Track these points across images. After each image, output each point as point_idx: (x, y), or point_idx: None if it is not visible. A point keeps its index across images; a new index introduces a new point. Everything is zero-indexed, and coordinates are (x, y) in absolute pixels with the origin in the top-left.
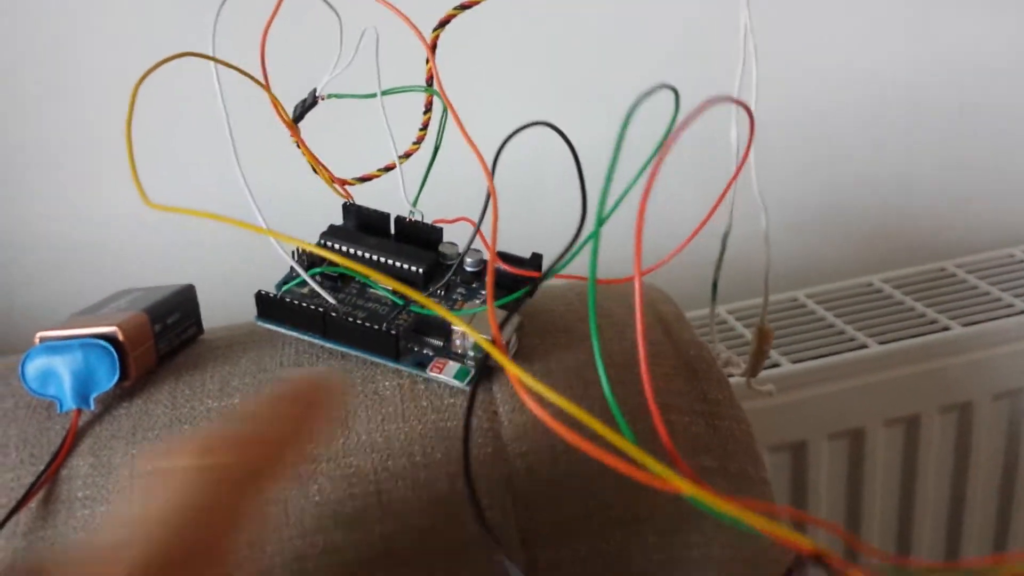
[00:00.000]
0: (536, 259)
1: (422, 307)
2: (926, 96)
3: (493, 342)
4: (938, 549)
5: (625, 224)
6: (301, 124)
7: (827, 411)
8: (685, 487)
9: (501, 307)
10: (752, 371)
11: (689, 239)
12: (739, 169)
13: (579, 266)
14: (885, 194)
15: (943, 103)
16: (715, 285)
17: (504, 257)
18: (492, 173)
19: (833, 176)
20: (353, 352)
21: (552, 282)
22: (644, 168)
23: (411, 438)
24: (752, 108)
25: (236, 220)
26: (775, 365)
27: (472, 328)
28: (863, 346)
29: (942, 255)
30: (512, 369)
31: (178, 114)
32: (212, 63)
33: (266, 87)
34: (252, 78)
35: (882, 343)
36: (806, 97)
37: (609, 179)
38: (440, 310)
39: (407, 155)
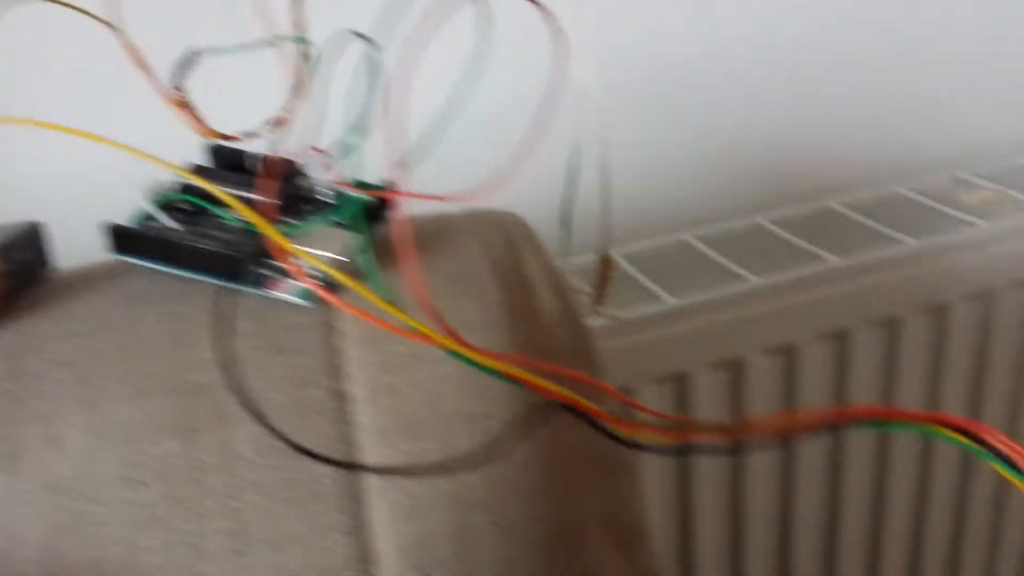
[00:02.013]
0: (389, 185)
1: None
2: (809, 42)
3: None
4: (821, 473)
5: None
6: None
7: (707, 343)
8: (440, 339)
9: (346, 228)
10: (598, 297)
11: (527, 155)
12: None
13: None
14: (771, 136)
15: (826, 49)
16: (564, 219)
17: (358, 184)
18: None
19: (720, 120)
20: (200, 278)
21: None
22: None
23: (252, 353)
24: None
25: (102, 137)
26: (658, 300)
27: (310, 245)
28: (744, 280)
29: (827, 194)
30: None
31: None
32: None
33: (117, 29)
34: (104, 21)
35: (761, 276)
36: (691, 40)
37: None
38: (274, 233)
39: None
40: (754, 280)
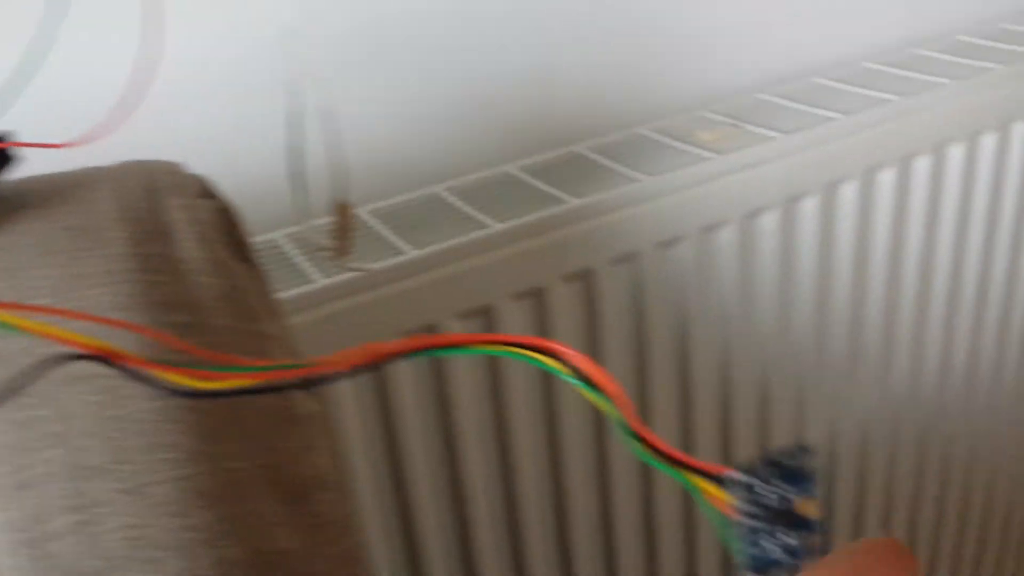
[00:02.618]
0: (3, 135)
1: None
2: None
3: None
4: (583, 412)
5: None
6: None
7: (455, 292)
8: None
9: None
10: (342, 249)
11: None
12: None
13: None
14: (520, 87)
15: None
16: (296, 173)
17: None
18: None
19: (467, 72)
20: None
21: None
22: None
23: None
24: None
25: None
26: (401, 253)
27: None
28: (487, 227)
29: (577, 140)
30: None
31: None
32: None
33: None
34: None
35: (505, 222)
36: None
37: None
38: None
39: None
40: (496, 226)
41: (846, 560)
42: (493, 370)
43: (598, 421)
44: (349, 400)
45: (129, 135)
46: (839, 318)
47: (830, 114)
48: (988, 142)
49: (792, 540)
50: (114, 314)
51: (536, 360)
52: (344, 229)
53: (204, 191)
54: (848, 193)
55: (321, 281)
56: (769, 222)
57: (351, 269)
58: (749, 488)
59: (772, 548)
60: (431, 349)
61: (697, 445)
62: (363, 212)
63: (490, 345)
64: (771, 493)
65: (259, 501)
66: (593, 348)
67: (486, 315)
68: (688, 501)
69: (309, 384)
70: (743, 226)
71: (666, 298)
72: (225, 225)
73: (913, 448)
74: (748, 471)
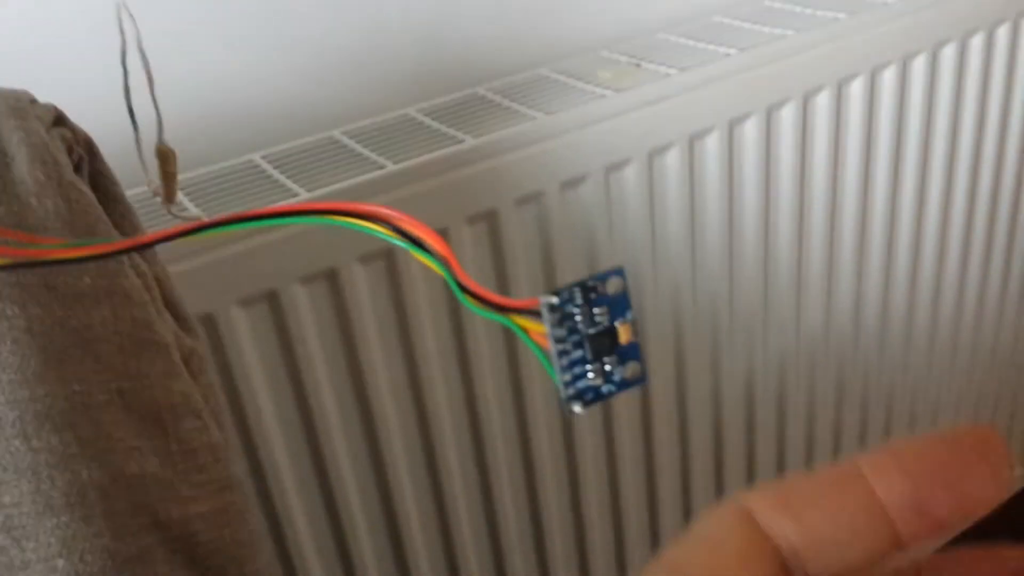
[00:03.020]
0: None
1: None
2: None
3: None
4: (500, 361)
5: None
6: None
7: (355, 234)
8: None
9: None
10: (167, 196)
11: None
12: None
13: None
14: (421, 30)
15: None
16: (131, 111)
17: None
18: None
19: (368, 14)
20: None
21: None
22: None
23: None
24: None
25: None
26: (294, 195)
27: None
28: (383, 167)
29: (479, 82)
30: None
31: None
32: None
33: None
34: None
35: (401, 163)
36: None
37: None
38: None
39: None
40: (392, 167)
41: (931, 449)
42: (396, 284)
43: (508, 337)
44: (247, 333)
45: None
46: (748, 252)
47: (729, 51)
48: (889, 75)
49: (612, 367)
50: None
51: (367, 228)
52: (166, 175)
53: (56, 120)
54: (750, 129)
55: None
56: (673, 159)
57: (177, 216)
58: (565, 315)
59: (593, 376)
60: (253, 219)
61: None
62: (256, 157)
63: (318, 215)
64: (587, 319)
65: (115, 425)
66: (500, 290)
67: (388, 257)
68: (608, 426)
69: (87, 259)
70: (647, 164)
71: (573, 238)
72: (76, 153)
73: (831, 384)
74: (562, 297)
